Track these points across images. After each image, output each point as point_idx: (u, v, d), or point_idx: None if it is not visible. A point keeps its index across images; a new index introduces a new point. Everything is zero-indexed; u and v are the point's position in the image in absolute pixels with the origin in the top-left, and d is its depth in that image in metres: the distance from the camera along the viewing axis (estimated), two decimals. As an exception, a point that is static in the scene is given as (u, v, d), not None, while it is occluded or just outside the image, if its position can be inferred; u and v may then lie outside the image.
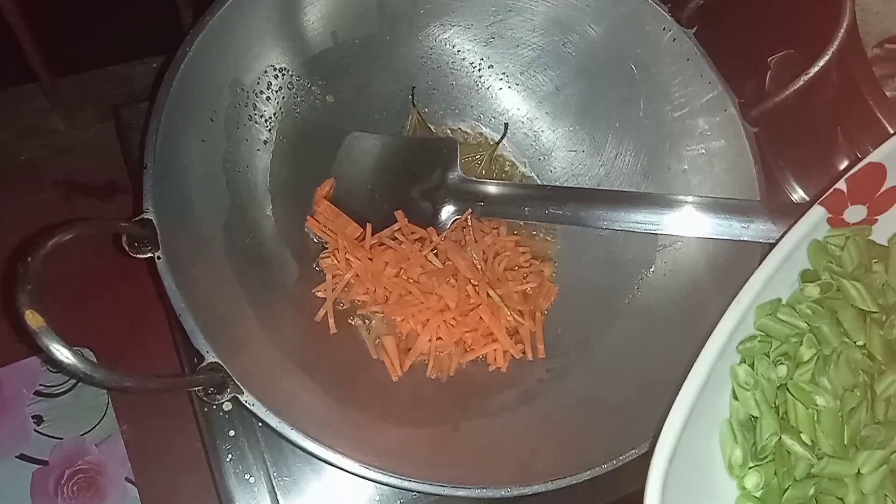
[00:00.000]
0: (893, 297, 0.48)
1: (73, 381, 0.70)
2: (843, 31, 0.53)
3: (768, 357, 0.47)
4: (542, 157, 0.66)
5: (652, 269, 0.59)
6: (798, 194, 0.74)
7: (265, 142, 0.57)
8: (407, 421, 0.53)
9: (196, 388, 0.42)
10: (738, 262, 0.55)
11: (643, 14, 0.58)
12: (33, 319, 0.36)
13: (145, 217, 0.45)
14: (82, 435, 0.68)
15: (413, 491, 0.45)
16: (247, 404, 0.43)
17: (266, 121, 0.57)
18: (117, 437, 0.69)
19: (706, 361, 0.44)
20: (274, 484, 0.54)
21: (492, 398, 0.57)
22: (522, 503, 0.51)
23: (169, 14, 0.71)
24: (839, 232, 0.49)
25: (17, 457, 0.66)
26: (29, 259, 0.37)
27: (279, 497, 0.54)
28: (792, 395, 0.46)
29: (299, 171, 0.59)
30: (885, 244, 0.51)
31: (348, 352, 0.56)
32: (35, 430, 0.68)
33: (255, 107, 0.56)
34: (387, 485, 0.44)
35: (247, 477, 0.54)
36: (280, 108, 0.58)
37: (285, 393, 0.47)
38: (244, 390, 0.43)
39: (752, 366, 0.47)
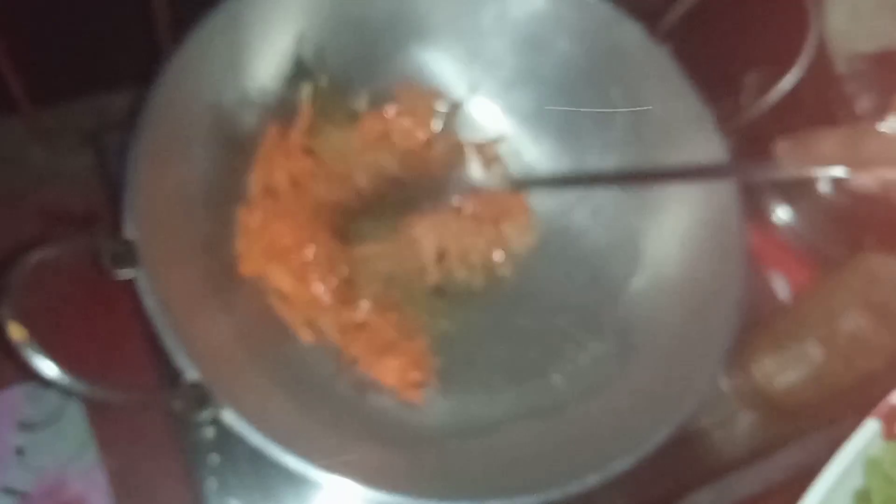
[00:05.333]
0: None
1: (56, 414, 0.69)
2: (809, 44, 0.54)
3: None
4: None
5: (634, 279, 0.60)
6: (779, 213, 0.75)
7: (245, 160, 0.57)
8: (392, 441, 0.53)
9: (177, 404, 0.41)
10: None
11: (618, 32, 0.59)
12: (16, 332, 0.36)
13: (125, 237, 0.45)
14: (65, 466, 0.67)
15: None
16: (228, 422, 0.42)
17: (247, 140, 0.57)
18: (100, 470, 0.67)
19: None
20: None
21: (482, 418, 0.57)
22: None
23: (148, 45, 0.71)
24: (894, 447, 0.48)
25: (-2, 489, 0.65)
26: (12, 273, 0.37)
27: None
28: None
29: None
30: None
31: (325, 369, 0.56)
32: (17, 462, 0.67)
33: (235, 127, 0.56)
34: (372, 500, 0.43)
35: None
36: (261, 128, 0.58)
37: (267, 411, 0.46)
38: (225, 408, 0.42)
39: None
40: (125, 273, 0.44)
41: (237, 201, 0.57)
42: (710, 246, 0.57)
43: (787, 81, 0.55)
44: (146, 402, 0.41)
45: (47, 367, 0.37)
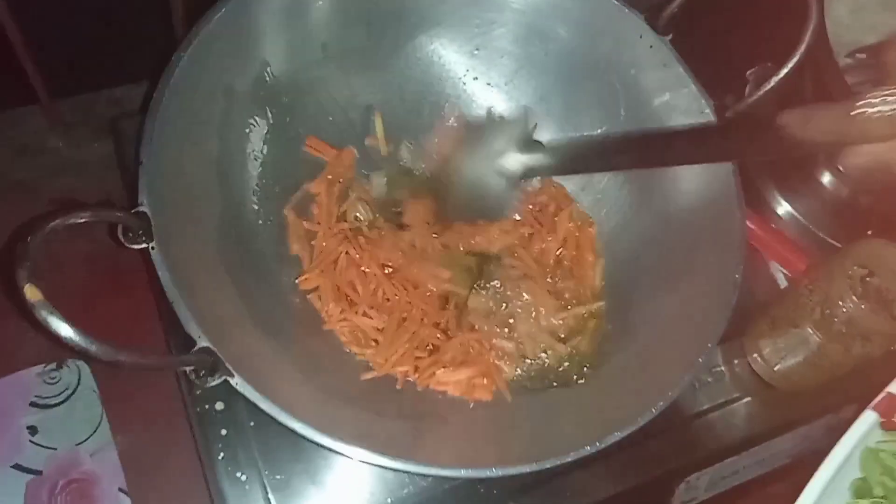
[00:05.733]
0: None
1: (68, 392, 0.70)
2: (810, 33, 0.55)
3: None
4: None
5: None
6: (783, 207, 0.76)
7: (256, 144, 0.59)
8: (397, 414, 0.54)
9: (188, 368, 0.43)
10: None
11: (620, 22, 0.61)
12: (31, 293, 0.37)
13: (140, 210, 0.46)
14: (77, 445, 0.69)
15: (395, 470, 0.45)
16: (237, 387, 0.44)
17: (258, 125, 0.59)
18: (111, 448, 0.69)
19: None
20: (265, 482, 0.55)
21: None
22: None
23: (164, 38, 0.73)
24: (893, 437, 0.49)
25: (11, 466, 0.67)
26: (28, 239, 0.39)
27: (270, 495, 0.54)
28: None
29: (289, 172, 0.61)
30: None
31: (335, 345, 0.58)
32: (30, 441, 0.68)
33: (247, 111, 0.58)
34: (372, 464, 0.45)
35: (238, 475, 0.55)
36: (272, 113, 0.60)
37: (274, 381, 0.48)
38: (234, 373, 0.44)
39: None
40: (139, 245, 0.45)
41: (252, 186, 0.59)
42: (709, 230, 0.58)
43: (788, 66, 0.56)
44: (157, 366, 0.42)
45: (62, 328, 0.38)
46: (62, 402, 0.70)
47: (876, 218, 0.70)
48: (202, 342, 0.44)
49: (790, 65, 0.56)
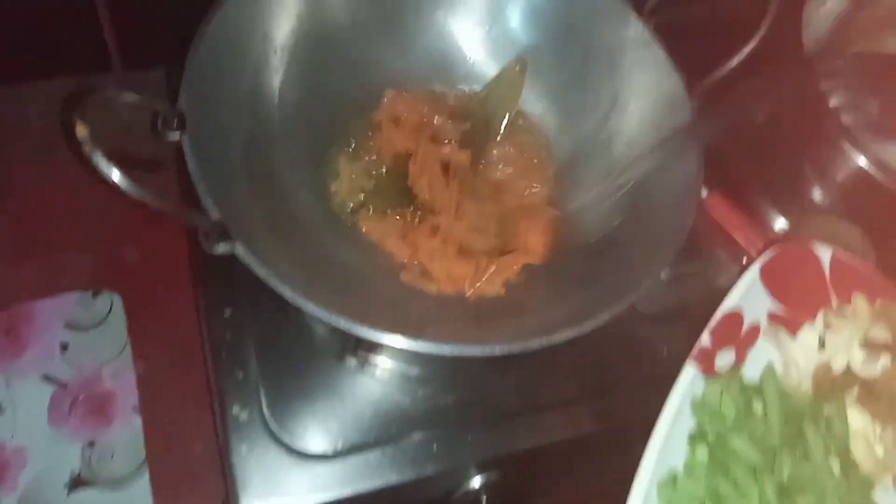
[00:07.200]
0: (775, 437, 0.51)
1: (100, 319, 0.78)
2: (770, 12, 0.61)
3: None
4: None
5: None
6: (779, 223, 0.80)
7: (286, 84, 0.66)
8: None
9: (200, 227, 0.49)
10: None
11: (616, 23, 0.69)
12: (82, 130, 0.43)
13: (179, 108, 0.54)
14: (100, 365, 0.76)
15: (391, 346, 0.50)
16: (239, 255, 0.50)
17: (288, 72, 0.67)
18: (130, 372, 0.76)
19: None
20: (260, 384, 0.61)
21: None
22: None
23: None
24: (714, 383, 0.53)
25: (42, 375, 0.74)
26: (83, 96, 0.46)
27: (262, 394, 0.60)
28: None
29: (315, 112, 0.69)
30: (758, 381, 0.54)
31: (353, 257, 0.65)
32: (60, 356, 0.76)
33: (280, 58, 0.66)
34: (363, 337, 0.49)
35: (237, 373, 0.61)
36: (303, 61, 0.67)
37: (275, 260, 0.53)
38: (239, 243, 0.50)
39: None
40: (173, 133, 0.53)
41: (281, 126, 0.66)
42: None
43: (755, 40, 0.62)
44: (172, 210, 0.48)
45: (104, 165, 0.43)
46: (94, 327, 0.78)
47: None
48: (214, 214, 0.50)
49: (751, 45, 0.62)
